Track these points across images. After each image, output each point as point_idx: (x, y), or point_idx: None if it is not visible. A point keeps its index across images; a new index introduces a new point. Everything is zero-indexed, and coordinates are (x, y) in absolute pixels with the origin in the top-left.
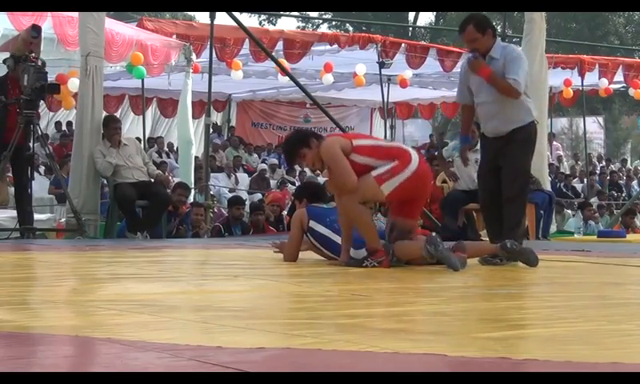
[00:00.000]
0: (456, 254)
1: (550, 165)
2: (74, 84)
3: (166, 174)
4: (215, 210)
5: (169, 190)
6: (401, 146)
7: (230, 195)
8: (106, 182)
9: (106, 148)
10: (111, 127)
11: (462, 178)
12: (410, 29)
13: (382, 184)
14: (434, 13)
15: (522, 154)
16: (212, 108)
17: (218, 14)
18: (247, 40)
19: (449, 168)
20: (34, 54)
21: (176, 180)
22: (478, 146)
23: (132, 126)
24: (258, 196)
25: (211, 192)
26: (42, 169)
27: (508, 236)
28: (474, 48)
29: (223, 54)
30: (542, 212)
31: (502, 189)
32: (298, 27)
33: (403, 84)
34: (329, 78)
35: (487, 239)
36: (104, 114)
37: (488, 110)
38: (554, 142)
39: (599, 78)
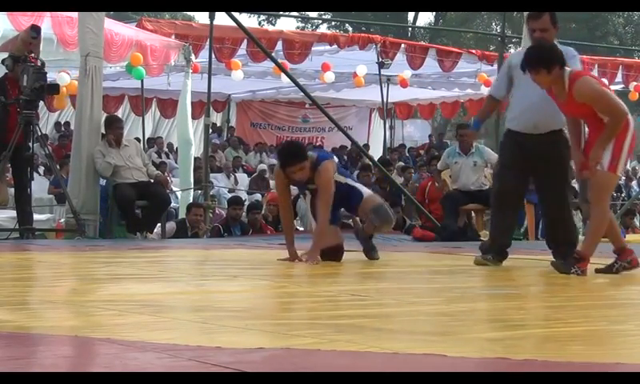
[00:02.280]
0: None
1: None
2: (63, 79)
3: (166, 174)
4: (216, 211)
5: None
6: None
7: (230, 195)
8: (102, 182)
9: (106, 148)
10: (114, 127)
11: (460, 179)
12: (410, 29)
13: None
14: (434, 13)
15: (566, 169)
16: (211, 108)
17: (217, 14)
18: (246, 40)
19: (439, 178)
20: (33, 55)
21: (175, 180)
22: (474, 150)
23: (133, 128)
24: (258, 196)
25: (211, 192)
26: (41, 169)
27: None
28: (541, 37)
29: (221, 55)
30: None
31: (551, 203)
32: (298, 27)
33: (403, 84)
34: (330, 76)
35: (485, 239)
36: (104, 114)
37: (531, 103)
38: None
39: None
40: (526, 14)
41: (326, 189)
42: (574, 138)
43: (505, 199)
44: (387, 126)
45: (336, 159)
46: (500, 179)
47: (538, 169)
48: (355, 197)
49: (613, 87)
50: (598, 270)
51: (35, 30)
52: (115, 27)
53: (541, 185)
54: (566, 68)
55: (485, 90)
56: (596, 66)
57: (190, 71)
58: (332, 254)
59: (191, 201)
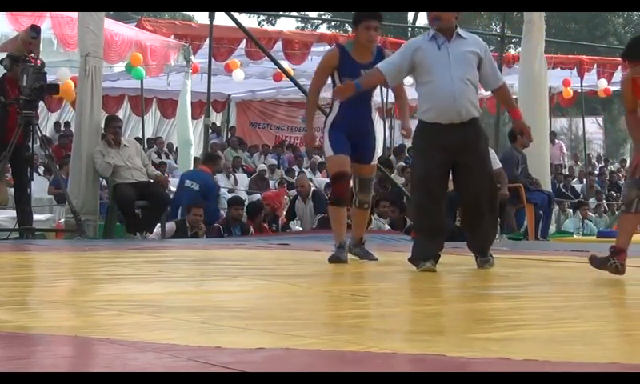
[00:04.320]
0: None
1: (558, 165)
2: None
3: (165, 174)
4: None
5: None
6: None
7: (230, 196)
8: (105, 183)
9: (105, 148)
10: (112, 126)
11: None
12: (410, 29)
13: None
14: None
15: (488, 155)
16: (211, 108)
17: (216, 14)
18: (245, 40)
19: None
20: (33, 55)
21: (174, 181)
22: None
23: (135, 129)
24: (258, 196)
25: None
26: (41, 169)
27: (485, 253)
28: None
29: (217, 55)
30: (541, 212)
31: (478, 195)
32: (297, 28)
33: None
34: None
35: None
36: (104, 114)
37: (452, 89)
38: (559, 141)
39: (598, 79)
40: (525, 13)
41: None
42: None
43: (435, 200)
44: (387, 126)
45: None
46: (428, 180)
47: (462, 160)
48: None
49: (612, 87)
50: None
51: (35, 30)
52: (115, 27)
53: (464, 176)
54: None
55: (484, 92)
56: (595, 65)
57: (190, 71)
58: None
59: None
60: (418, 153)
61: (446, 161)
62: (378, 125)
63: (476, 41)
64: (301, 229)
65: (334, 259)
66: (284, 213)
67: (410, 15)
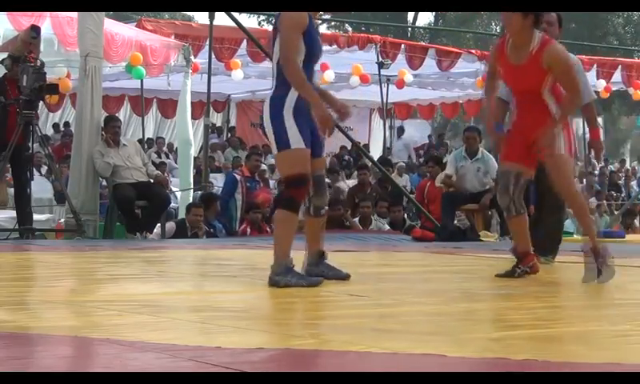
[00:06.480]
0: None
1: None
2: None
3: (165, 174)
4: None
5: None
6: None
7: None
8: (104, 183)
9: (105, 148)
10: (110, 126)
11: (463, 183)
12: (410, 29)
13: None
14: (433, 13)
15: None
16: (211, 108)
17: (217, 14)
18: (245, 40)
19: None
20: (33, 55)
21: (174, 180)
22: (479, 156)
23: (137, 130)
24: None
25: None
26: (43, 169)
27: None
28: (546, 30)
29: (221, 55)
30: None
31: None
32: None
33: (399, 85)
34: (329, 76)
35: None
36: (104, 114)
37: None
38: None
39: (597, 79)
40: None
41: None
42: (493, 116)
43: (546, 199)
44: (387, 126)
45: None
46: (538, 181)
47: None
48: None
49: (612, 87)
50: (498, 275)
51: (35, 30)
52: (115, 27)
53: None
54: (538, 31)
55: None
56: (595, 65)
57: (190, 71)
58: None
59: (191, 201)
60: None
61: None
62: (378, 125)
63: None
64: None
65: (274, 283)
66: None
67: (410, 15)
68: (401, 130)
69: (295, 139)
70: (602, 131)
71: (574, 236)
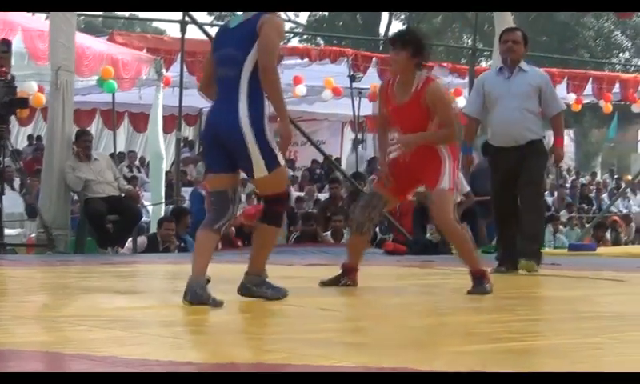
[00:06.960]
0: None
1: None
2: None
3: (137, 188)
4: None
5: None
6: None
7: None
8: (76, 197)
9: (76, 163)
10: (81, 140)
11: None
12: (381, 42)
13: None
14: (405, 26)
15: (542, 167)
16: (183, 122)
17: (188, 27)
18: None
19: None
20: (4, 69)
21: (146, 194)
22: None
23: (108, 144)
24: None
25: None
26: (16, 183)
27: (529, 247)
28: (512, 48)
29: (193, 69)
30: None
31: (523, 200)
32: None
33: (372, 98)
34: (301, 90)
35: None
36: (75, 128)
37: (508, 118)
38: None
39: (568, 92)
40: (496, 26)
41: None
42: (383, 150)
43: (506, 214)
44: (358, 139)
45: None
46: (498, 198)
47: (520, 178)
48: None
49: (583, 100)
50: (322, 282)
51: (6, 44)
52: (86, 41)
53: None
54: (420, 71)
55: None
56: (566, 78)
57: (162, 85)
58: None
59: (162, 215)
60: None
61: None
62: (350, 138)
63: (536, 74)
64: None
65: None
66: None
67: (382, 28)
68: (357, 142)
69: (279, 154)
70: (573, 144)
71: (545, 249)
